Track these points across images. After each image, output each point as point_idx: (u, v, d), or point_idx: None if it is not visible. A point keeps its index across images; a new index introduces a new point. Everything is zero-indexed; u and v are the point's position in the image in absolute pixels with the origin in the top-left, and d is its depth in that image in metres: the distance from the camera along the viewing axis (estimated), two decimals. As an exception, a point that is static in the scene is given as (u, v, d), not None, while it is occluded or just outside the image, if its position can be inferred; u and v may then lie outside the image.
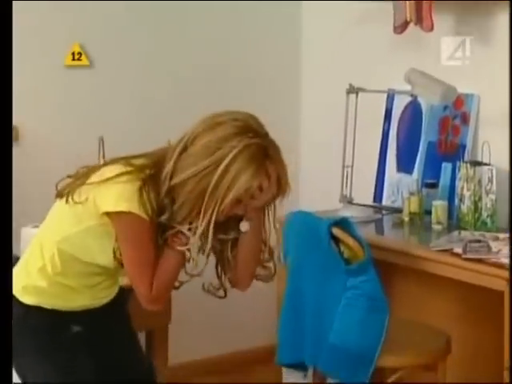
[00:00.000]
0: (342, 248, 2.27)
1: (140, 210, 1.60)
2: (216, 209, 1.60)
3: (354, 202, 2.83)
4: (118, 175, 1.62)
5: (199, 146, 1.61)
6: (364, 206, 2.82)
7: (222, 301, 3.31)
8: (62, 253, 1.69)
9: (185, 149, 1.63)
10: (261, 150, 1.61)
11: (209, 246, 1.65)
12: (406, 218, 2.66)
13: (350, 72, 2.96)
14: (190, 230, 1.63)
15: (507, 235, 2.35)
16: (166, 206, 1.63)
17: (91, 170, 1.70)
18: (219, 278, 1.78)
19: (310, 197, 3.28)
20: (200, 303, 3.19)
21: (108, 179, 1.62)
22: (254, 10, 3.17)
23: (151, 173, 1.64)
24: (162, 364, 2.54)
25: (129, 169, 1.63)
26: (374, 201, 2.92)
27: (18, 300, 1.71)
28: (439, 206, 2.56)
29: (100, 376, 1.74)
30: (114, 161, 1.69)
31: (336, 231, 2.22)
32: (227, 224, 1.71)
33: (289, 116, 3.38)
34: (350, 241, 2.22)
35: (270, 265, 1.78)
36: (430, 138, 2.80)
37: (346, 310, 2.18)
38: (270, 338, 2.86)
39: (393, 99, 2.89)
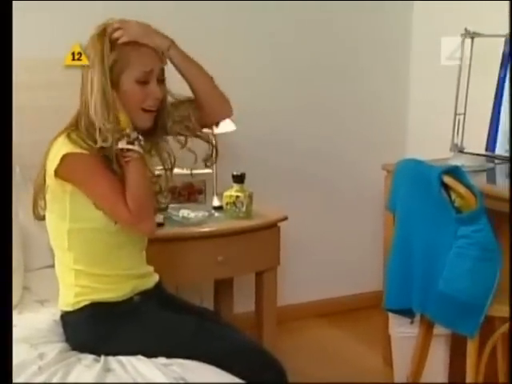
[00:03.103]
0: (453, 196, 2.23)
1: (76, 148, 1.71)
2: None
3: (465, 150, 2.77)
4: (49, 147, 1.76)
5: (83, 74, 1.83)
6: (476, 154, 2.76)
7: (329, 245, 3.40)
8: (77, 249, 1.79)
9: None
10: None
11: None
12: (521, 168, 2.58)
13: (464, 16, 2.87)
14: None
15: None
16: (95, 134, 1.73)
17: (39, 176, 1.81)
18: None
19: (418, 145, 3.25)
20: (308, 247, 3.29)
21: (45, 155, 1.76)
22: None
23: (73, 125, 1.78)
24: (271, 305, 2.62)
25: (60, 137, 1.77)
26: (487, 150, 2.84)
27: (72, 312, 1.81)
28: (557, 156, 2.48)
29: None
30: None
31: (447, 179, 2.18)
32: None
33: (398, 62, 3.34)
34: (462, 189, 2.17)
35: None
36: (550, 84, 2.68)
37: (456, 258, 2.16)
38: (376, 284, 2.90)
39: (511, 44, 2.77)
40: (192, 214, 2.54)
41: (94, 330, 1.78)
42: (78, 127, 1.77)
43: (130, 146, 1.72)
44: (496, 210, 2.31)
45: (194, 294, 2.73)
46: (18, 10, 2.06)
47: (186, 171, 2.62)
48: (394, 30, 3.31)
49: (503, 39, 2.74)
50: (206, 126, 1.97)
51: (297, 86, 3.19)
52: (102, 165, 1.73)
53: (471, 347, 2.19)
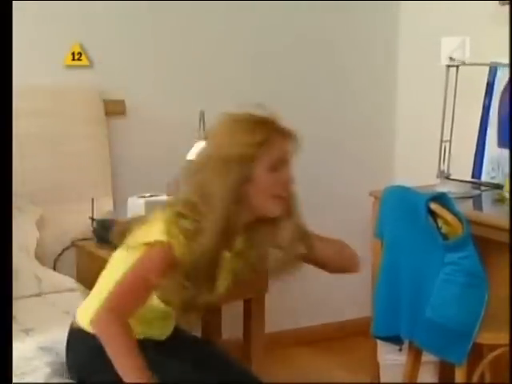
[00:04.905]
0: (440, 223, 2.25)
1: (170, 240, 1.62)
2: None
3: (452, 177, 2.79)
4: (156, 216, 1.69)
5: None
6: (462, 181, 2.78)
7: (317, 272, 3.39)
8: None
9: None
10: None
11: None
12: (507, 195, 2.60)
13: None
14: None
15: None
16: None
17: (140, 220, 1.75)
18: None
19: (405, 172, 3.27)
20: (296, 274, 3.28)
21: (149, 222, 1.69)
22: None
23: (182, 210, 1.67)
24: (259, 332, 2.62)
25: (165, 211, 1.69)
26: (473, 177, 2.87)
27: (86, 331, 1.75)
28: (542, 183, 2.50)
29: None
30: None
31: (434, 206, 2.20)
32: None
33: (385, 89, 3.37)
34: (449, 216, 2.19)
35: None
36: (534, 112, 2.72)
37: (443, 285, 2.17)
38: (365, 311, 2.89)
39: (495, 73, 2.81)
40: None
41: (93, 359, 1.73)
42: (186, 212, 1.66)
43: None
44: (482, 237, 2.33)
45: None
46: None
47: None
48: (381, 40, 3.33)
49: (487, 68, 2.79)
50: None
51: (284, 111, 3.18)
52: (165, 271, 1.62)
53: (459, 375, 2.19)
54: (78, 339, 1.79)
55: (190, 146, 2.84)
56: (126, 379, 1.56)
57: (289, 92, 3.17)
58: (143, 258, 1.65)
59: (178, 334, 1.87)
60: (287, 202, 1.75)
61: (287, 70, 3.18)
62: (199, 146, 2.81)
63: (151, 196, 2.62)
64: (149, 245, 1.64)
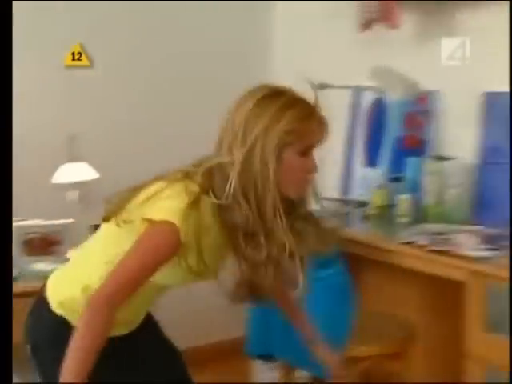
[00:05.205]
0: (310, 241, 2.30)
1: (180, 224, 1.51)
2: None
3: (321, 195, 2.87)
4: (162, 190, 1.58)
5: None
6: (331, 199, 2.87)
7: (187, 293, 3.36)
8: None
9: None
10: None
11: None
12: (373, 212, 2.71)
13: (315, 68, 3.01)
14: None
15: (471, 228, 2.41)
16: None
17: (134, 190, 1.63)
18: None
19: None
20: (174, 296, 3.23)
21: (152, 196, 1.57)
22: (222, 6, 3.22)
23: (202, 186, 1.59)
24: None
25: (174, 183, 1.59)
26: (341, 195, 2.97)
27: (52, 310, 1.67)
28: (404, 200, 2.62)
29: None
30: (156, 179, 1.64)
31: (304, 224, 2.25)
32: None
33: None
34: (318, 234, 2.25)
35: None
36: (396, 133, 2.86)
37: (313, 301, 2.21)
38: (239, 330, 2.90)
39: (358, 95, 2.94)
40: (49, 267, 2.44)
41: (51, 342, 1.65)
42: (204, 185, 1.57)
43: None
44: (351, 253, 2.41)
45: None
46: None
47: (42, 222, 2.55)
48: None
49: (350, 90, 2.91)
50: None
51: (160, 128, 3.14)
52: (168, 258, 1.53)
53: (332, 388, 2.24)
54: (42, 315, 1.68)
55: (55, 169, 2.78)
56: (63, 376, 1.48)
57: (158, 109, 3.13)
58: (149, 238, 1.52)
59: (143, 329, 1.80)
60: (309, 187, 1.74)
61: (154, 86, 3.11)
62: (65, 169, 2.77)
63: (15, 221, 2.51)
64: (155, 223, 1.51)
